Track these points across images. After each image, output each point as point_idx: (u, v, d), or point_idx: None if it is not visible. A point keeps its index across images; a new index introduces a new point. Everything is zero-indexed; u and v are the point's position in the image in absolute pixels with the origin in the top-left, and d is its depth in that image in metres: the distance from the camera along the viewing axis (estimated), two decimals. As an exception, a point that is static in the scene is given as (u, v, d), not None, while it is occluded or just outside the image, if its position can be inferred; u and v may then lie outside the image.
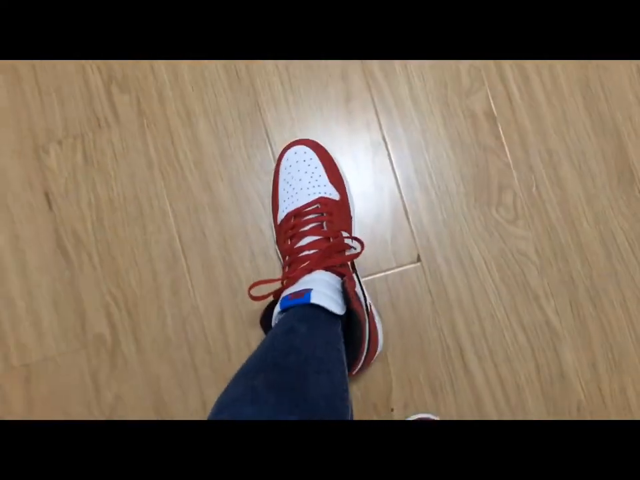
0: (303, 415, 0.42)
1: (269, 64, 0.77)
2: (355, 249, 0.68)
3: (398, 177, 0.76)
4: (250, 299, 0.63)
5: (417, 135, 0.76)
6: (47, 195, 0.76)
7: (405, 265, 0.74)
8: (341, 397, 0.50)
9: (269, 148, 0.76)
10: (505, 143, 0.76)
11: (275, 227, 0.71)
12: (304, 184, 0.68)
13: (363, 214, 0.75)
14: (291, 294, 0.59)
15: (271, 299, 0.64)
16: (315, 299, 0.57)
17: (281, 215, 0.69)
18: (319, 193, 0.68)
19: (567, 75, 0.76)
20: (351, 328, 0.61)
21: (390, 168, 0.76)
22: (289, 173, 0.70)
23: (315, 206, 0.67)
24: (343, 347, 0.57)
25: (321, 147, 0.71)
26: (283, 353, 0.50)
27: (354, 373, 0.66)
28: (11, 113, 0.76)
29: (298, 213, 0.66)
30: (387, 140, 0.76)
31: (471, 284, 0.74)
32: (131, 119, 0.76)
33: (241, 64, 0.77)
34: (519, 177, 0.75)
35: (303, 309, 0.57)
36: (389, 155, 0.76)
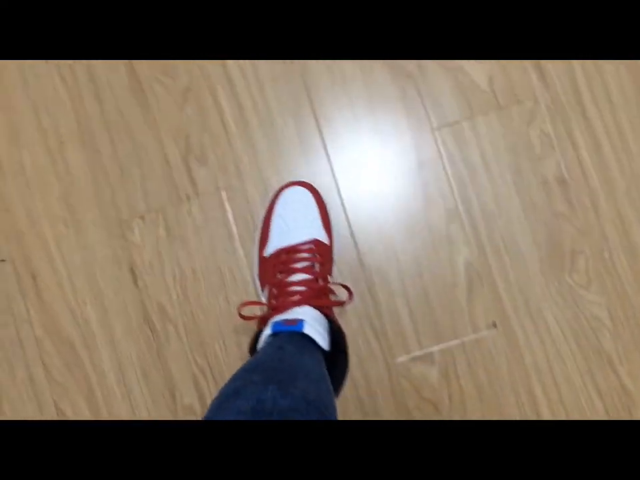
0: (296, 399, 0.47)
1: (344, 134, 0.78)
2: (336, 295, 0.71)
3: (472, 243, 0.77)
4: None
5: (490, 202, 0.78)
6: (132, 269, 0.78)
7: (482, 331, 0.77)
8: (330, 402, 0.53)
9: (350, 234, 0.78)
10: (576, 208, 0.77)
11: (259, 257, 0.74)
12: (299, 223, 0.72)
13: (436, 281, 0.77)
14: (283, 320, 0.62)
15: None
16: (307, 329, 0.60)
17: (270, 249, 0.72)
18: (314, 235, 0.72)
19: (636, 136, 0.78)
20: (337, 366, 0.65)
21: (463, 235, 0.78)
22: (284, 210, 0.73)
23: (309, 246, 0.70)
24: (326, 373, 0.59)
25: (317, 191, 0.74)
26: (275, 361, 0.55)
27: None
28: (94, 190, 0.79)
29: (292, 250, 0.70)
30: (460, 207, 0.78)
31: (546, 349, 0.76)
32: (209, 191, 0.78)
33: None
34: (591, 242, 0.77)
35: (291, 334, 0.61)
36: (462, 222, 0.78)
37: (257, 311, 0.73)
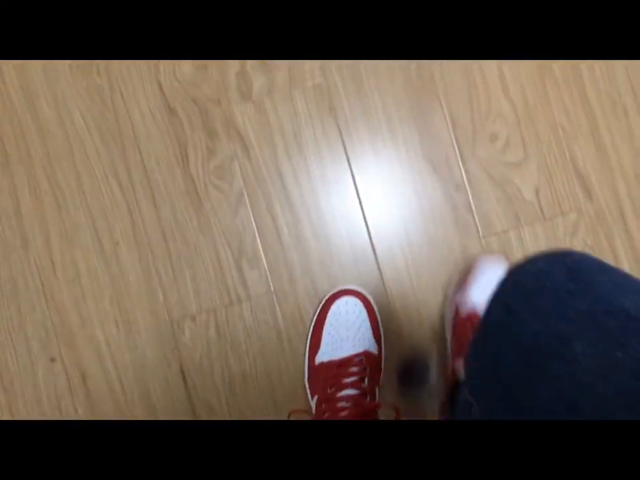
0: None
1: (394, 243, 0.80)
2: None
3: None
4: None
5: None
6: (182, 369, 0.79)
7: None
8: None
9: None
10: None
11: (309, 363, 0.75)
12: (351, 334, 0.73)
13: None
14: None
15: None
16: None
17: (322, 358, 0.73)
18: (364, 346, 0.73)
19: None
20: None
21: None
22: (337, 320, 0.74)
23: (360, 358, 0.72)
24: None
25: (369, 301, 0.76)
26: None
27: None
28: (146, 290, 0.79)
29: (343, 364, 0.71)
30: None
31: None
32: (260, 293, 0.79)
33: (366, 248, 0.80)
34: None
35: None
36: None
37: (306, 415, 0.74)
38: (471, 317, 0.69)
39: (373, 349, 0.74)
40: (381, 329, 0.77)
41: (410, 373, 0.77)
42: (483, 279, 0.72)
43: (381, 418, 0.73)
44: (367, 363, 0.72)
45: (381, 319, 0.78)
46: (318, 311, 0.77)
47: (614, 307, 0.32)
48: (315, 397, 0.72)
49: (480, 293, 0.71)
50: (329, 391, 0.70)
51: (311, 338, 0.76)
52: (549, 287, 0.35)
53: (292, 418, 0.70)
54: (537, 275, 0.36)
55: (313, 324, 0.77)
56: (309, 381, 0.76)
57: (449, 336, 0.74)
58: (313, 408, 0.73)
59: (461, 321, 0.71)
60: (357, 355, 0.72)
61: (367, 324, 0.75)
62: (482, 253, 0.78)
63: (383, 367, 0.77)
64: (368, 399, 0.70)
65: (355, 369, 0.71)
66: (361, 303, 0.76)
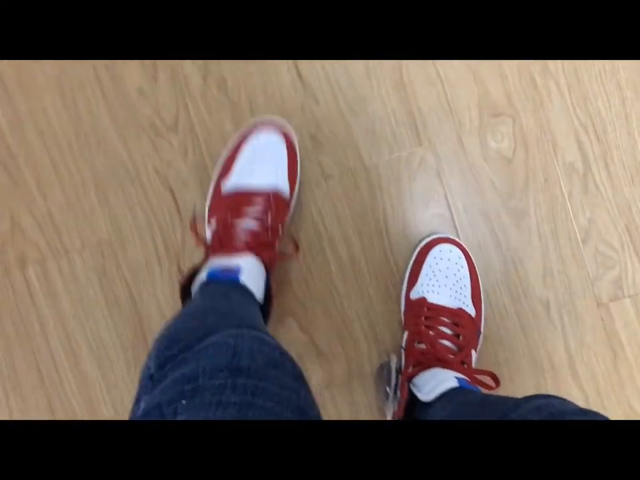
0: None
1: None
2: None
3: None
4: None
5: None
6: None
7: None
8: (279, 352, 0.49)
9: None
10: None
11: (215, 186, 0.71)
12: (264, 170, 0.69)
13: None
14: (221, 268, 0.61)
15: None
16: (243, 278, 0.60)
17: (229, 185, 0.69)
18: (275, 186, 0.69)
19: None
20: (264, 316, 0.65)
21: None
22: (254, 151, 0.70)
23: (266, 196, 0.68)
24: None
25: (292, 141, 0.71)
26: (223, 306, 0.54)
27: None
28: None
29: (249, 194, 0.68)
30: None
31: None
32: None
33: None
34: None
35: (231, 283, 0.60)
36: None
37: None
38: (421, 301, 0.71)
39: (284, 190, 0.70)
40: (298, 172, 0.73)
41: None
42: (431, 269, 0.72)
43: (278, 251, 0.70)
44: (274, 201, 0.68)
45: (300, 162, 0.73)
46: (238, 137, 0.71)
47: None
48: (213, 220, 0.69)
49: (430, 281, 0.72)
50: (229, 218, 0.67)
51: (225, 162, 0.71)
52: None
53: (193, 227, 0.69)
54: None
55: (230, 148, 0.71)
56: (210, 204, 0.71)
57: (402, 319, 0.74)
58: (209, 232, 0.69)
59: (411, 303, 0.72)
60: (265, 191, 0.68)
61: (284, 163, 0.70)
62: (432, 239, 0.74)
63: (291, 209, 0.73)
64: (269, 233, 0.67)
65: (259, 203, 0.67)
66: (283, 141, 0.70)
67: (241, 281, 0.60)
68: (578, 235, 0.76)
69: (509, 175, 0.76)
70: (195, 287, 0.63)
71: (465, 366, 0.67)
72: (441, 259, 0.72)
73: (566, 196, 0.76)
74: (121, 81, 0.76)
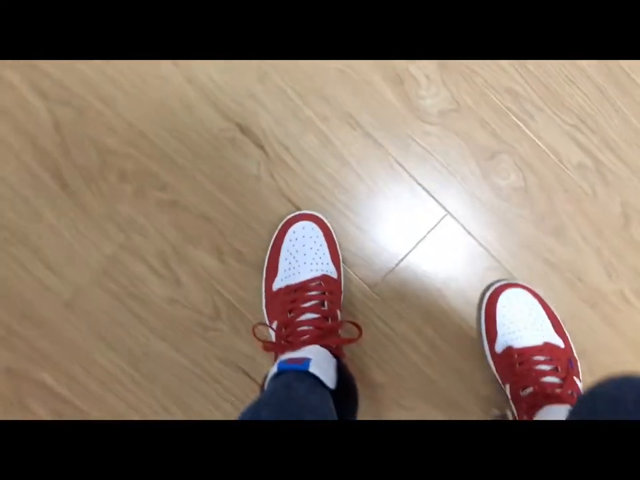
0: None
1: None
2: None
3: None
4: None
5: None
6: None
7: None
8: None
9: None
10: None
11: (266, 290, 0.73)
12: (308, 259, 0.71)
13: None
14: (289, 359, 0.62)
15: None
16: (313, 368, 0.59)
17: (279, 284, 0.71)
18: (322, 270, 0.71)
19: None
20: (347, 404, 0.65)
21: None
22: (293, 246, 0.72)
23: (318, 282, 0.69)
24: (334, 412, 0.59)
25: (326, 225, 0.74)
26: (282, 398, 0.54)
27: None
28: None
29: (301, 288, 0.69)
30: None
31: None
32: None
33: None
34: None
35: (298, 373, 0.60)
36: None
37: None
38: (509, 351, 0.71)
39: (332, 273, 0.72)
40: (339, 253, 0.75)
41: None
42: (505, 315, 0.73)
43: (343, 336, 0.71)
44: (326, 287, 0.69)
45: (339, 242, 0.75)
46: (274, 236, 0.74)
47: None
48: (275, 322, 0.70)
49: (508, 329, 0.72)
50: (288, 315, 0.68)
51: (267, 264, 0.74)
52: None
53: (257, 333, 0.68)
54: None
55: (269, 250, 0.74)
56: (266, 308, 0.73)
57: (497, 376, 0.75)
58: (273, 334, 0.70)
59: (499, 357, 0.73)
60: (315, 279, 0.69)
61: (325, 248, 0.72)
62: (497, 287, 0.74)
63: (342, 289, 0.74)
64: (329, 321, 0.68)
65: (313, 292, 0.69)
66: (318, 227, 0.72)
67: (310, 370, 0.59)
68: (619, 223, 0.77)
69: (530, 201, 0.77)
70: (268, 380, 0.63)
71: (575, 395, 0.68)
72: (510, 304, 0.73)
73: (590, 194, 0.77)
74: (149, 299, 0.77)
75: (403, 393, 0.77)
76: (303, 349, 0.65)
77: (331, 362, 0.65)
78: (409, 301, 0.78)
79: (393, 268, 0.77)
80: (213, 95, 0.76)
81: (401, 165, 0.77)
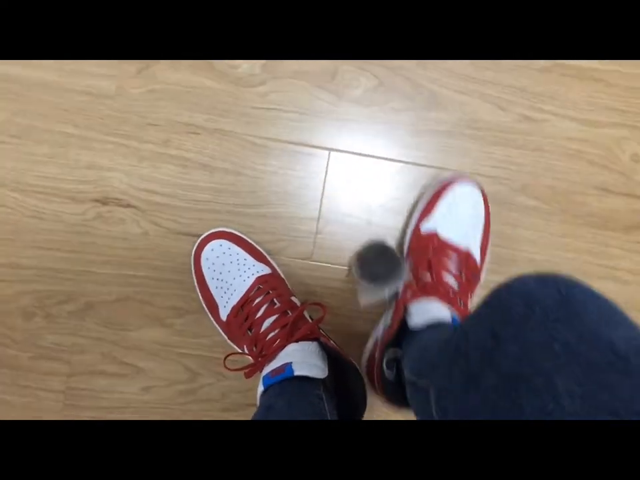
0: None
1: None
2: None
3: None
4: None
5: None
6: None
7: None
8: None
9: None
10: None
11: (220, 324, 0.70)
12: (234, 273, 0.69)
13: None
14: (271, 371, 0.60)
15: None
16: (297, 370, 0.58)
17: (225, 312, 0.69)
18: (253, 274, 0.68)
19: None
20: (347, 379, 0.64)
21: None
22: (214, 271, 0.69)
23: (257, 287, 0.67)
24: (325, 408, 0.58)
25: (231, 233, 0.71)
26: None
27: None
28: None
29: (244, 302, 0.67)
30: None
31: None
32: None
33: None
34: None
35: (281, 384, 0.58)
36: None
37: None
38: (431, 236, 0.69)
39: (263, 270, 0.69)
40: (259, 248, 0.72)
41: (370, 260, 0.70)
42: (449, 206, 0.71)
43: (309, 316, 0.69)
44: (267, 286, 0.67)
45: (253, 240, 0.73)
46: (194, 271, 0.71)
47: (601, 341, 0.30)
48: (244, 347, 0.68)
49: (444, 217, 0.70)
50: (249, 334, 0.66)
51: (205, 301, 0.71)
52: (538, 314, 0.33)
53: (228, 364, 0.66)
54: (526, 298, 0.34)
55: (196, 285, 0.71)
56: (229, 339, 0.71)
57: (405, 249, 0.73)
58: (250, 358, 0.68)
59: (420, 236, 0.70)
60: (251, 288, 0.67)
61: (243, 254, 0.70)
62: (454, 176, 0.72)
63: (283, 277, 0.72)
64: (290, 314, 0.66)
65: (258, 299, 0.66)
66: (225, 240, 0.70)
67: (295, 374, 0.58)
68: (482, 62, 0.74)
69: (392, 91, 0.74)
70: (258, 400, 0.61)
71: (462, 307, 0.66)
72: (461, 198, 0.71)
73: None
74: (125, 401, 0.74)
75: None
76: (281, 353, 0.63)
77: (313, 349, 0.63)
78: (348, 248, 0.75)
79: (316, 229, 0.75)
80: (51, 188, 0.72)
81: (260, 137, 0.74)
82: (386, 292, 0.69)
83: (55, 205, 0.72)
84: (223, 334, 0.71)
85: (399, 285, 0.69)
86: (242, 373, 0.65)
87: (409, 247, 0.72)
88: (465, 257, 0.69)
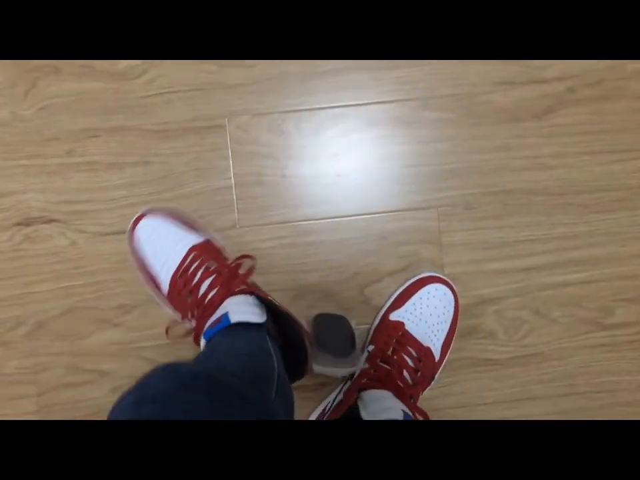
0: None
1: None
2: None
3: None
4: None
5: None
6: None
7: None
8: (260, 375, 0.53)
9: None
10: None
11: (163, 298, 0.71)
12: (169, 245, 0.69)
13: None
14: (210, 324, 0.62)
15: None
16: (234, 317, 0.59)
17: (165, 284, 0.69)
18: (186, 244, 0.69)
19: None
20: (286, 330, 0.66)
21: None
22: (149, 246, 0.70)
23: (192, 255, 0.68)
24: (272, 350, 0.59)
25: (158, 209, 0.72)
26: (200, 358, 0.55)
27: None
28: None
29: (181, 270, 0.68)
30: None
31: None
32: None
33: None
34: None
35: (223, 331, 0.60)
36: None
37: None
38: (398, 325, 0.73)
39: (196, 239, 0.70)
40: (191, 220, 0.73)
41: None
42: (420, 302, 0.74)
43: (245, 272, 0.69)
44: (200, 253, 0.68)
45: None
46: (130, 251, 0.72)
47: None
48: (188, 313, 0.68)
49: (414, 312, 0.74)
50: (189, 300, 0.67)
51: (146, 277, 0.71)
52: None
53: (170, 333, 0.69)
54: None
55: (136, 266, 0.72)
56: (173, 310, 0.71)
57: (371, 332, 0.76)
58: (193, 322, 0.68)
59: (387, 322, 0.74)
60: (185, 257, 0.68)
61: (175, 227, 0.70)
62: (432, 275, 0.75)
63: (217, 245, 0.72)
64: (225, 273, 0.67)
65: (193, 266, 0.67)
66: (154, 217, 0.71)
67: (231, 322, 0.59)
68: None
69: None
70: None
71: (412, 401, 0.68)
72: (434, 296, 0.74)
73: None
74: (97, 407, 0.76)
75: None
76: (218, 310, 0.64)
77: (250, 301, 0.65)
78: (270, 204, 0.76)
79: (235, 196, 0.76)
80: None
81: (158, 123, 0.75)
82: (338, 372, 0.69)
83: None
84: (167, 308, 0.72)
85: (349, 367, 0.70)
86: (188, 337, 0.66)
87: (375, 331, 0.75)
88: (425, 354, 0.71)
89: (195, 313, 0.67)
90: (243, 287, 0.66)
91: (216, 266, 0.68)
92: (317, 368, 0.69)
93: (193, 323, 0.67)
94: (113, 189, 0.76)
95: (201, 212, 0.76)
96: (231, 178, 0.76)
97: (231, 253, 0.72)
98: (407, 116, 0.77)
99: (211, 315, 0.64)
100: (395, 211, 0.77)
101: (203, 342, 0.62)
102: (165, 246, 0.70)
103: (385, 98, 0.77)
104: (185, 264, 0.68)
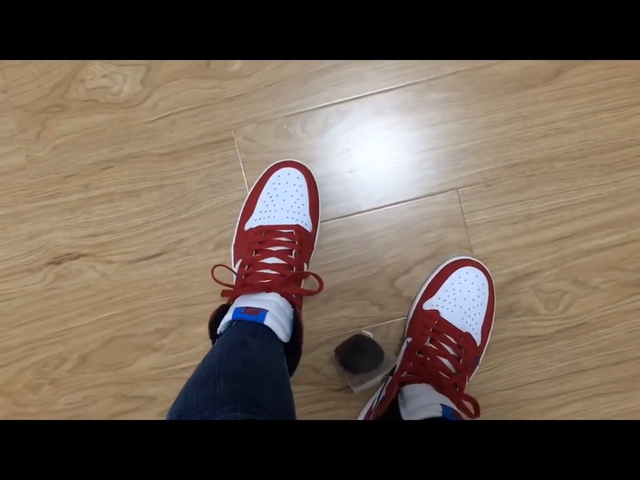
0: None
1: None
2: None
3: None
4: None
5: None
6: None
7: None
8: (290, 410, 0.53)
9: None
10: None
11: (238, 229, 0.72)
12: (286, 205, 0.69)
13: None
14: (245, 308, 0.60)
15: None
16: (268, 321, 0.59)
17: (252, 224, 0.70)
18: (297, 220, 0.69)
19: None
20: (294, 355, 0.65)
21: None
22: (275, 189, 0.70)
23: (290, 231, 0.68)
24: (286, 367, 0.60)
25: (312, 177, 0.72)
26: (239, 363, 0.53)
27: None
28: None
29: (271, 230, 0.67)
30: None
31: None
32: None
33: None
34: None
35: (254, 325, 0.59)
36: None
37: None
38: (433, 313, 0.71)
39: (307, 225, 0.70)
40: (319, 208, 0.73)
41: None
42: (453, 287, 0.72)
43: (307, 289, 0.68)
44: (297, 237, 0.68)
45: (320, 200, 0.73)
46: (259, 177, 0.73)
47: None
48: (239, 262, 0.68)
49: (447, 298, 0.72)
50: (253, 254, 0.67)
51: (246, 203, 0.73)
52: None
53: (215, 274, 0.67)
54: None
55: (251, 189, 0.73)
56: (234, 248, 0.72)
57: (407, 324, 0.75)
58: (234, 278, 0.68)
59: (422, 312, 0.72)
60: (286, 226, 0.68)
61: (306, 199, 0.70)
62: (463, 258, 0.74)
63: (315, 246, 0.73)
64: (294, 270, 0.66)
65: (282, 239, 0.67)
66: (303, 177, 0.71)
67: (265, 323, 0.59)
68: None
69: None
70: (222, 326, 0.62)
71: (457, 389, 0.66)
72: (465, 280, 0.72)
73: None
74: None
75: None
76: (261, 295, 0.64)
77: (288, 313, 0.64)
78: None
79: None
80: (7, 269, 0.77)
81: (166, 146, 0.76)
82: (372, 380, 0.70)
83: (16, 283, 0.77)
84: (234, 239, 0.73)
85: (386, 370, 0.70)
86: (221, 286, 0.67)
87: (410, 322, 0.74)
88: (464, 340, 0.69)
89: (245, 268, 0.67)
90: (293, 295, 0.66)
91: (294, 258, 0.67)
92: (357, 389, 0.70)
93: (234, 278, 0.68)
94: (132, 217, 0.77)
95: (221, 227, 0.76)
96: (245, 189, 0.76)
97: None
98: (412, 101, 0.76)
99: (253, 288, 0.64)
100: (414, 199, 0.76)
101: (228, 317, 0.61)
102: (285, 201, 0.70)
103: (388, 86, 0.76)
104: (280, 230, 0.68)
